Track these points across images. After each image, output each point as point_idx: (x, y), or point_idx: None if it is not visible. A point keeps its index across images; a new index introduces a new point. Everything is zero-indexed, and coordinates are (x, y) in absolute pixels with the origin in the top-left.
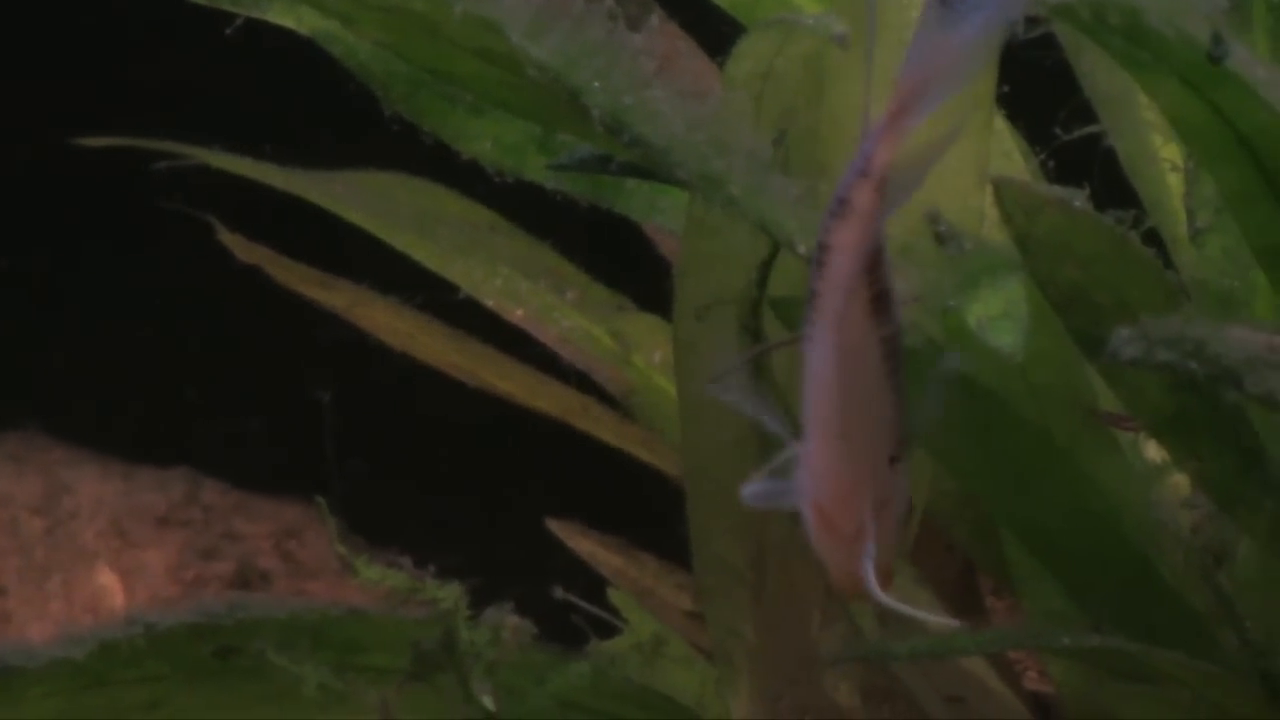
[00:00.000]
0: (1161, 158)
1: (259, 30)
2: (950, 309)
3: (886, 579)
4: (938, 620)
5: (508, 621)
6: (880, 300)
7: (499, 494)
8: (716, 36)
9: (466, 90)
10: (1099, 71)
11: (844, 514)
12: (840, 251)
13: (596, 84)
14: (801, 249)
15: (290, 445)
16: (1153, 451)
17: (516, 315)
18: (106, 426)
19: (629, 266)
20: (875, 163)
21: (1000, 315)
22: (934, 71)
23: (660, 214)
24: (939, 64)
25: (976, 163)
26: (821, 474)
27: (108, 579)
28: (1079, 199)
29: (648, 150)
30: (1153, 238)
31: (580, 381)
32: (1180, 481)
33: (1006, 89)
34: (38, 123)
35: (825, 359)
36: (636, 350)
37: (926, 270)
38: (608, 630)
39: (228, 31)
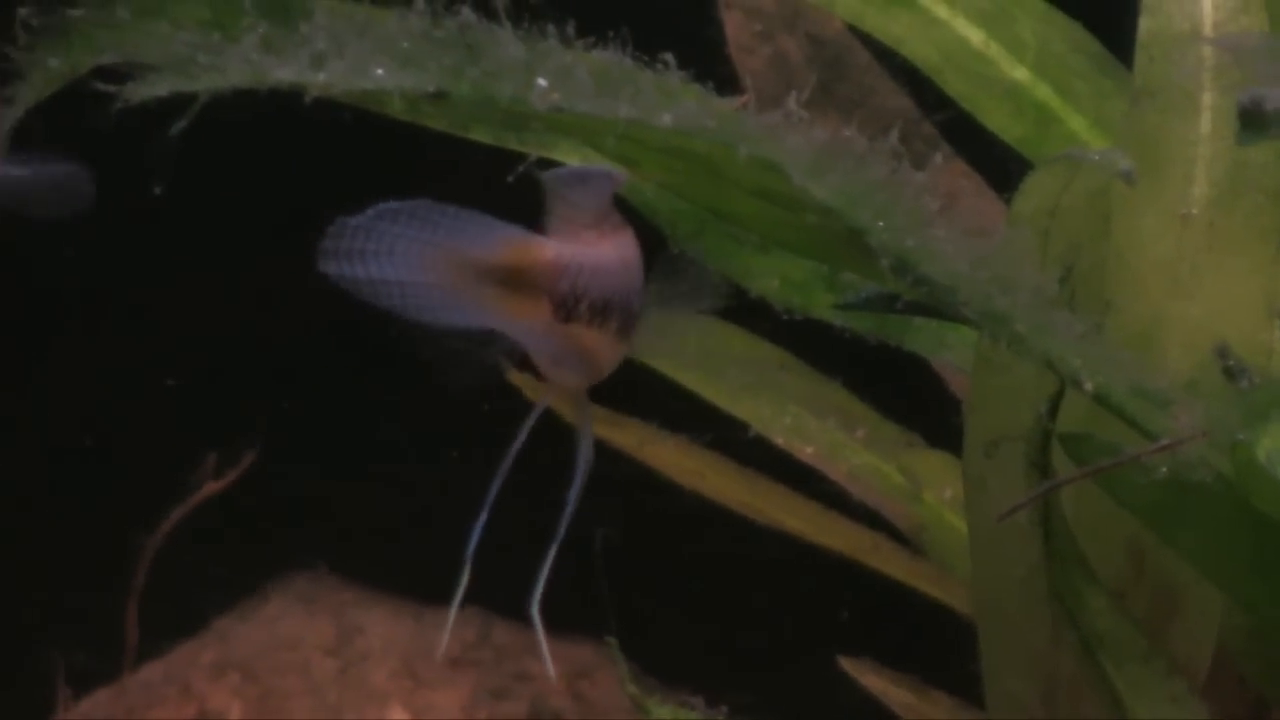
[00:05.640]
0: None
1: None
2: (1239, 443)
3: None
4: None
5: None
6: None
7: (789, 631)
8: (1002, 172)
9: (749, 230)
10: None
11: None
12: None
13: (879, 223)
14: (1089, 386)
15: (580, 585)
16: None
17: (806, 453)
18: (396, 566)
19: (918, 403)
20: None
21: None
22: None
23: (948, 350)
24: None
25: (1264, 297)
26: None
27: None
28: None
29: (932, 289)
30: None
31: (870, 518)
32: None
33: None
34: None
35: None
36: (926, 487)
37: (1215, 404)
38: None
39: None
